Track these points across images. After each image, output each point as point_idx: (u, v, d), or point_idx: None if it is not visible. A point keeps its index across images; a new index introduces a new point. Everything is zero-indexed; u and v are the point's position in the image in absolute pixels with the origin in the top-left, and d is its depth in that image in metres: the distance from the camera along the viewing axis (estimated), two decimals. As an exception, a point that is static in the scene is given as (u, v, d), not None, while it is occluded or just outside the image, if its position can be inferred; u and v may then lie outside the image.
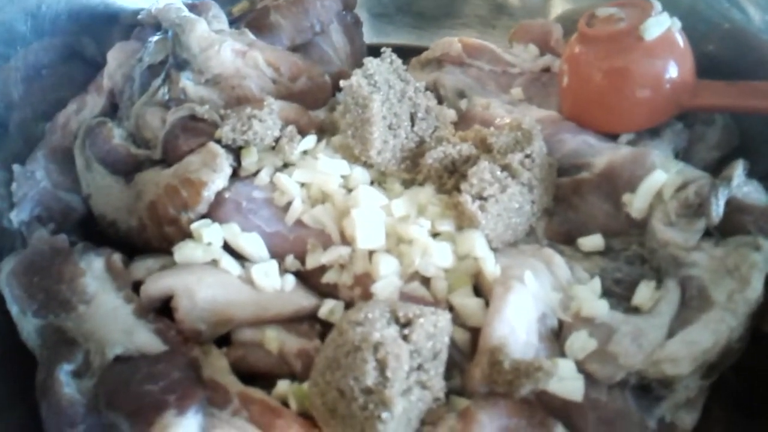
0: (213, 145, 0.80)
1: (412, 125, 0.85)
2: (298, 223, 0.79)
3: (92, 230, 0.89)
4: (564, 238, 0.82)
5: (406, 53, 0.95)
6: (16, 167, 0.87)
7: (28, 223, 0.86)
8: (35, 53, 0.91)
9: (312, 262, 0.78)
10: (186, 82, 0.85)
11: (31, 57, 0.91)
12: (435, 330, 0.66)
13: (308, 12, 0.97)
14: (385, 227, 0.77)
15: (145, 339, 0.71)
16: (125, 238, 0.84)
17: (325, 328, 0.76)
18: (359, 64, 1.02)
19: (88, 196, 0.87)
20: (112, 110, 0.93)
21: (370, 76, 0.83)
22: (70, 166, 0.89)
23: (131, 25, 1.00)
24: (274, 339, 0.74)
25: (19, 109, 0.91)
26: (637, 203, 0.78)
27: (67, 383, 0.68)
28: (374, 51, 1.06)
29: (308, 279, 0.79)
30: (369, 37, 1.09)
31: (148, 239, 0.81)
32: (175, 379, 0.67)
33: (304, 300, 0.77)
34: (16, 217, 0.86)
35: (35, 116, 0.93)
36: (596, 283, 0.75)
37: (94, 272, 0.75)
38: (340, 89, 0.92)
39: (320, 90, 0.91)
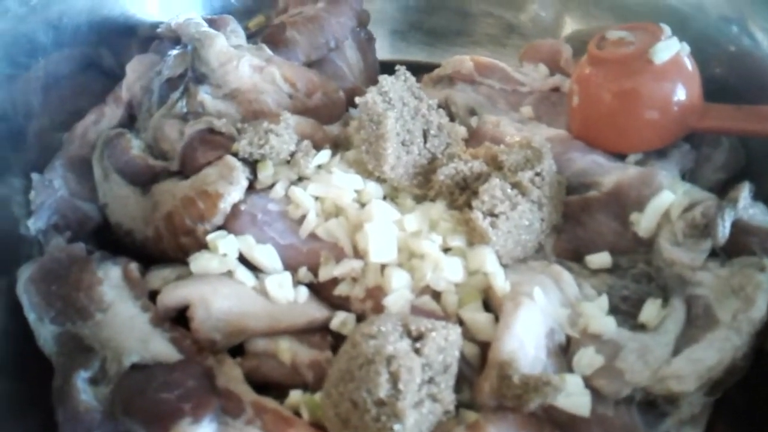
0: (230, 158, 0.82)
1: (425, 142, 0.86)
2: (312, 235, 0.81)
3: (107, 239, 0.90)
4: (572, 255, 0.84)
5: (417, 70, 0.96)
6: (34, 176, 0.89)
7: (45, 230, 0.87)
8: (55, 63, 0.93)
9: (325, 274, 0.79)
10: (204, 95, 0.87)
11: (50, 67, 0.92)
12: (446, 344, 0.67)
13: (324, 29, 0.99)
14: (397, 242, 0.78)
15: (161, 348, 0.72)
16: (141, 248, 0.85)
17: (337, 339, 0.78)
18: (372, 80, 1.04)
19: (104, 206, 0.88)
20: (130, 121, 0.94)
21: (385, 93, 0.85)
22: (87, 175, 0.90)
23: (149, 38, 1.01)
24: (286, 350, 0.75)
25: (37, 118, 0.92)
26: (644, 222, 0.80)
27: (84, 390, 0.69)
28: (387, 67, 1.08)
29: (320, 291, 0.81)
30: (382, 53, 1.10)
31: (164, 249, 0.83)
32: (191, 387, 0.69)
33: (317, 312, 0.78)
34: (34, 225, 0.87)
35: (53, 125, 0.94)
36: (604, 301, 0.77)
37: (111, 281, 0.77)
38: (353, 105, 0.94)
39: (335, 106, 0.93)
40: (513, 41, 1.12)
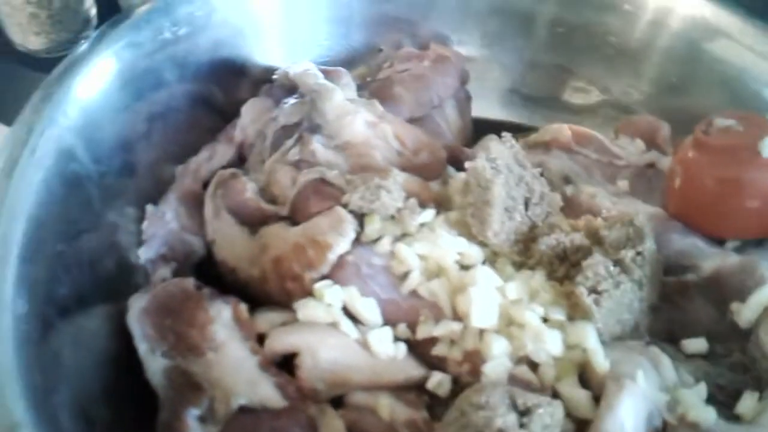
0: (341, 210, 0.84)
1: (526, 209, 0.88)
2: (413, 293, 0.83)
3: (206, 273, 0.92)
4: (666, 337, 0.84)
5: (508, 131, 0.99)
6: (149, 207, 0.92)
7: (154, 260, 0.90)
8: (172, 98, 0.97)
9: (423, 333, 0.81)
10: (317, 145, 0.90)
11: (168, 101, 0.96)
12: (551, 421, 0.69)
13: (429, 87, 1.02)
14: (498, 308, 0.80)
15: (268, 392, 0.74)
16: (243, 287, 0.88)
17: (431, 399, 0.80)
18: (466, 139, 1.07)
19: (212, 242, 0.91)
20: (239, 162, 0.98)
21: (493, 160, 0.87)
22: (197, 210, 0.93)
23: (259, 81, 1.05)
24: (386, 406, 0.77)
25: (152, 150, 0.96)
26: (746, 314, 0.80)
27: (194, 428, 0.71)
28: (479, 125, 1.10)
29: (416, 348, 0.82)
30: (475, 111, 1.12)
31: (268, 291, 0.85)
32: (297, 436, 0.71)
33: (414, 370, 0.80)
34: (144, 255, 0.90)
35: (164, 158, 0.98)
36: (702, 389, 0.77)
37: (222, 320, 0.79)
38: (451, 163, 0.97)
39: (438, 164, 0.95)
40: (604, 111, 1.14)
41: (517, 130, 1.07)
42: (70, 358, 0.73)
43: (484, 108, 1.14)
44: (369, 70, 1.11)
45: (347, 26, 1.07)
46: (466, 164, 0.87)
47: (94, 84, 0.85)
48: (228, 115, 1.03)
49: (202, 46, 0.97)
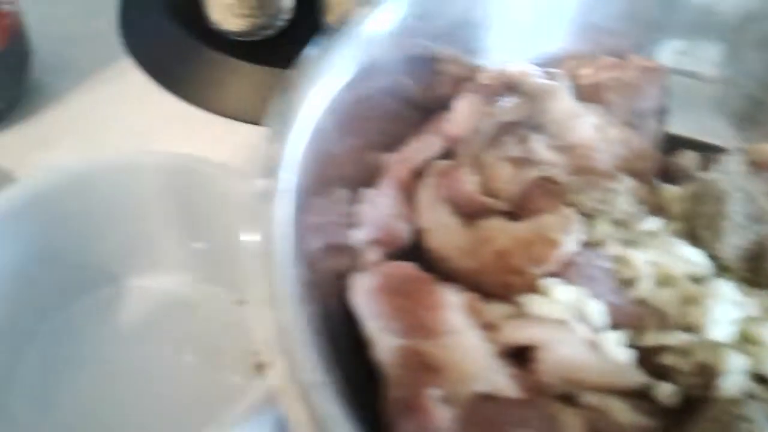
0: (569, 210, 0.84)
1: (753, 227, 0.86)
2: (640, 300, 0.82)
3: (410, 260, 0.92)
4: None
5: (701, 149, 0.97)
6: (364, 191, 0.93)
7: (364, 243, 0.91)
8: (386, 86, 0.98)
9: (650, 340, 0.79)
10: (538, 143, 0.90)
11: (385, 89, 0.97)
12: (816, 441, 0.67)
13: (639, 96, 1.01)
14: (735, 323, 0.78)
15: (503, 382, 0.74)
16: (452, 276, 0.88)
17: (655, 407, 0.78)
18: (660, 151, 1.05)
19: (424, 230, 0.91)
20: (446, 155, 0.98)
21: (728, 172, 0.85)
22: (408, 198, 0.94)
23: (460, 77, 1.05)
24: (620, 410, 0.75)
25: (354, 137, 0.96)
26: None
27: (434, 406, 0.71)
28: (674, 140, 1.08)
29: (638, 356, 0.81)
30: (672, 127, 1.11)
31: (483, 283, 0.84)
32: (538, 429, 0.70)
33: (641, 376, 0.78)
34: (356, 236, 0.91)
35: (367, 145, 0.99)
36: None
37: (454, 306, 0.79)
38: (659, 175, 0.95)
39: (650, 173, 0.94)
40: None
41: (713, 150, 1.05)
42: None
43: (681, 123, 1.11)
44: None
45: (561, 30, 1.06)
46: (703, 175, 0.86)
47: (341, 64, 0.86)
48: (427, 109, 1.04)
49: (424, 36, 0.97)
